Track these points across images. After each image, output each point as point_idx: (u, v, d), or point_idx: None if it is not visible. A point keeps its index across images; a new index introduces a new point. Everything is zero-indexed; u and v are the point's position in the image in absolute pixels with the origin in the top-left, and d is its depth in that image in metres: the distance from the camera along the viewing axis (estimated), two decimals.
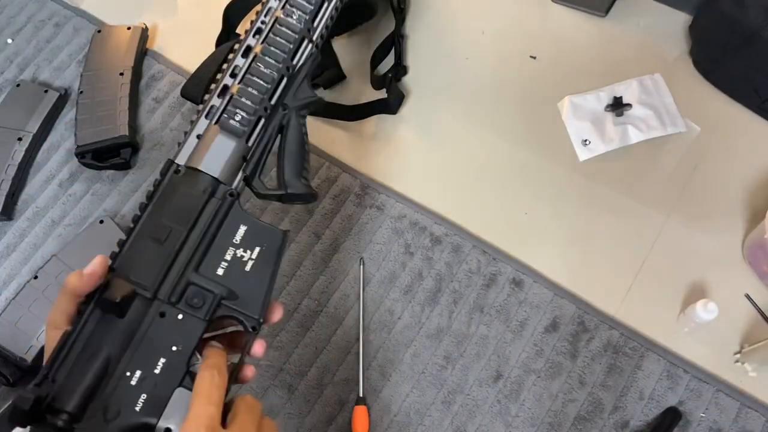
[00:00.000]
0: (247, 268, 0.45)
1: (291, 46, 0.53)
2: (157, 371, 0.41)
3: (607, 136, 0.78)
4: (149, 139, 0.86)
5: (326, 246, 0.76)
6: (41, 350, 0.71)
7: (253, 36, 0.53)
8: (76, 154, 0.83)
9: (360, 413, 0.67)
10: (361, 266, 0.73)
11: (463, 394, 0.68)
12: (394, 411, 0.67)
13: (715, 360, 0.66)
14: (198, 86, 0.82)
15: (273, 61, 0.52)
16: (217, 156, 0.48)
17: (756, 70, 0.73)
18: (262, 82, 0.51)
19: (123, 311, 0.41)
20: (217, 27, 0.90)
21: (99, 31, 0.91)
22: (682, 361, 0.66)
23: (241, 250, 0.46)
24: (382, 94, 0.83)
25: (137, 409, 0.40)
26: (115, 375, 0.40)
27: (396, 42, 0.86)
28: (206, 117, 0.50)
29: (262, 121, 0.51)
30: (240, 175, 0.49)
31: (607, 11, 0.85)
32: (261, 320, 0.44)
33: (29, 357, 0.70)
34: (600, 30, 0.85)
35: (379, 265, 0.74)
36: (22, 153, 0.84)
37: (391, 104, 0.81)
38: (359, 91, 0.85)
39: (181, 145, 0.49)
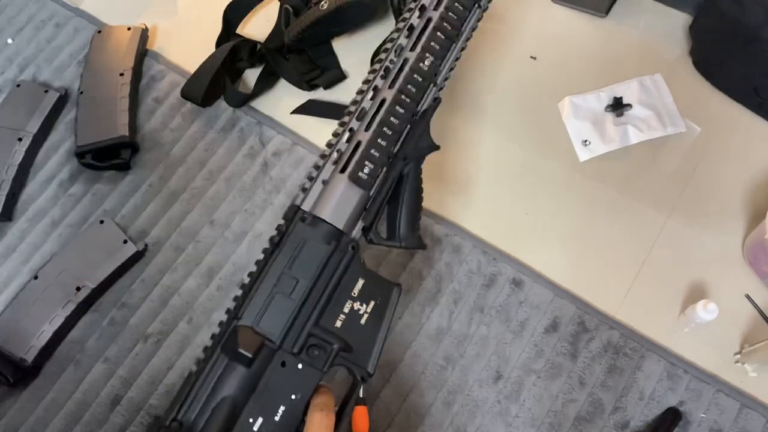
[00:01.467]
0: (363, 321, 0.46)
1: (422, 95, 0.52)
2: (276, 418, 0.42)
3: (608, 137, 0.78)
4: (149, 139, 0.86)
5: None
6: (41, 350, 0.71)
7: (382, 77, 0.51)
8: (76, 155, 0.83)
9: (360, 413, 0.66)
10: None
11: (463, 395, 0.67)
12: (394, 411, 0.67)
13: (716, 360, 0.66)
14: (198, 87, 0.83)
15: (403, 111, 0.51)
16: (342, 206, 0.48)
17: (756, 70, 0.73)
18: (392, 133, 0.50)
19: (249, 361, 0.42)
20: (217, 27, 0.90)
21: (99, 32, 0.91)
22: (683, 362, 0.66)
23: (358, 303, 0.46)
24: None
25: None
26: (239, 422, 0.41)
27: None
28: (334, 163, 0.49)
29: (384, 170, 0.51)
30: (359, 225, 0.50)
31: (607, 11, 0.85)
32: (372, 372, 0.46)
33: (29, 357, 0.70)
34: (600, 30, 0.85)
35: (379, 266, 0.74)
36: (22, 153, 0.84)
37: None
38: None
39: (306, 190, 0.48)
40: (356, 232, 0.49)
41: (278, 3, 0.89)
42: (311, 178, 0.49)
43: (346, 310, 0.46)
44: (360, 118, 0.50)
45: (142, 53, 0.92)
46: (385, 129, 0.50)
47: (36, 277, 0.75)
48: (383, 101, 0.51)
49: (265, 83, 0.87)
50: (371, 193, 0.50)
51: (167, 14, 0.96)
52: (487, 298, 0.71)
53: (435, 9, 0.53)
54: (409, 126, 0.52)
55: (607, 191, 0.76)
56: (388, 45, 0.53)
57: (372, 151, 0.49)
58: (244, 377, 0.42)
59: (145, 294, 0.75)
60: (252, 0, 0.93)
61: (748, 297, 0.69)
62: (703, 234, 0.72)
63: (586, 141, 0.78)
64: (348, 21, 0.84)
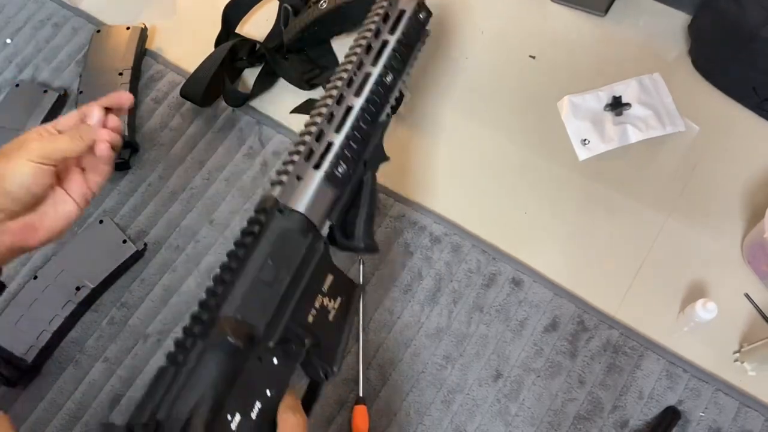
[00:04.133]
0: (331, 317, 0.46)
1: (384, 107, 0.56)
2: (253, 416, 0.40)
3: (607, 136, 0.78)
4: (148, 139, 0.86)
5: None
6: (41, 350, 0.71)
7: (347, 86, 0.54)
8: None
9: (360, 413, 0.67)
10: (361, 266, 0.73)
11: (462, 394, 0.68)
12: (394, 411, 0.67)
13: (715, 359, 0.66)
14: (197, 87, 0.83)
15: (369, 119, 0.54)
16: (317, 202, 0.49)
17: (755, 69, 0.73)
18: (361, 138, 0.53)
19: (235, 352, 0.40)
20: (216, 27, 0.90)
21: (98, 31, 0.91)
22: (682, 361, 0.66)
23: (327, 298, 0.46)
24: None
25: None
26: (218, 419, 0.38)
27: None
28: (306, 160, 0.50)
29: (353, 172, 0.53)
30: (327, 223, 0.51)
31: (607, 11, 0.85)
32: (335, 370, 0.45)
33: (29, 357, 0.70)
34: (599, 29, 0.85)
35: (379, 265, 0.74)
36: None
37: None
38: None
39: (282, 183, 0.48)
40: (325, 230, 0.50)
41: (277, 2, 0.89)
42: (284, 172, 0.49)
43: (317, 305, 0.45)
44: (329, 121, 0.52)
45: (141, 53, 0.91)
46: (355, 133, 0.53)
47: (35, 277, 0.75)
48: (350, 108, 0.54)
49: (265, 83, 0.87)
50: (342, 193, 0.51)
51: (166, 14, 0.96)
52: (486, 297, 0.71)
53: (391, 33, 0.59)
54: (371, 134, 0.55)
55: (607, 190, 0.76)
56: (350, 59, 0.56)
57: (345, 151, 0.51)
58: (223, 371, 0.40)
59: (144, 294, 0.75)
60: (251, 0, 0.93)
61: (747, 296, 0.69)
62: (703, 233, 0.72)
63: (585, 140, 0.78)
64: (347, 20, 0.84)
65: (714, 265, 0.70)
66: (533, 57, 0.85)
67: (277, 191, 0.47)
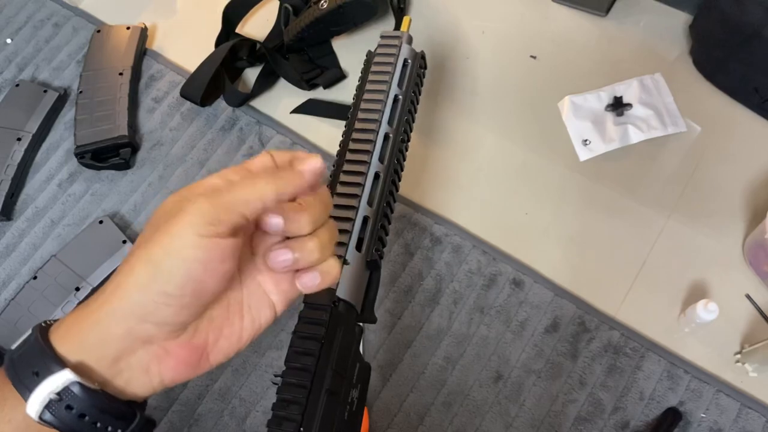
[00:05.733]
0: (354, 407, 0.42)
1: (400, 169, 0.53)
2: None
3: (608, 136, 0.77)
4: (148, 139, 0.86)
5: None
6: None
7: (380, 160, 0.51)
8: (76, 154, 0.83)
9: None
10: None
11: (463, 395, 0.67)
12: (394, 411, 0.67)
13: (716, 360, 0.66)
14: (197, 86, 0.83)
15: (394, 187, 0.51)
16: (358, 289, 0.45)
17: (756, 69, 0.73)
18: (389, 210, 0.50)
19: None
20: (216, 27, 0.89)
21: (98, 31, 0.91)
22: (683, 362, 0.66)
23: (354, 390, 0.42)
24: None
25: None
26: None
27: None
28: (355, 249, 0.46)
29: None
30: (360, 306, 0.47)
31: (608, 11, 0.85)
32: None
33: None
34: (600, 30, 0.85)
35: None
36: (22, 153, 0.84)
37: None
38: None
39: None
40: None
41: (278, 2, 0.89)
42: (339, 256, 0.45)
43: (349, 399, 0.41)
44: (371, 204, 0.48)
45: (142, 52, 0.91)
46: (384, 205, 0.49)
47: (35, 277, 0.75)
48: (377, 175, 0.49)
49: (265, 83, 0.87)
50: (375, 274, 0.48)
51: (166, 13, 0.96)
52: (487, 298, 0.71)
53: (399, 87, 0.55)
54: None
55: (608, 191, 0.76)
56: (368, 116, 0.52)
57: (380, 228, 0.48)
58: None
59: None
60: (251, 0, 0.92)
61: (748, 297, 0.68)
62: (704, 234, 0.72)
63: (586, 140, 0.78)
64: (348, 20, 0.84)
65: (715, 265, 0.70)
66: (534, 57, 0.85)
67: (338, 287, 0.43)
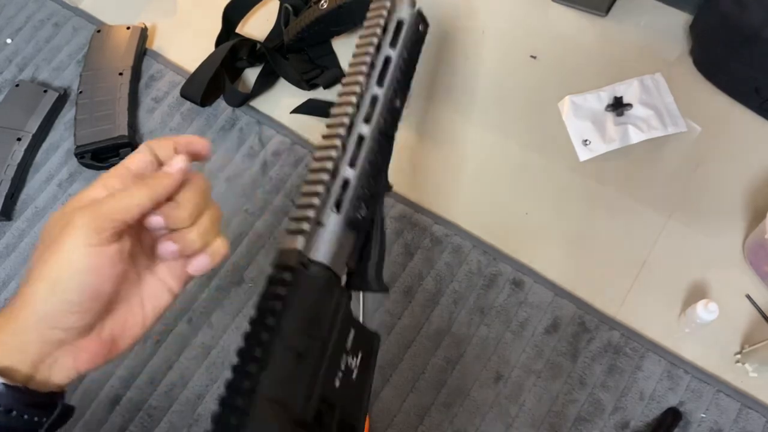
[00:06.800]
0: (354, 376, 0.41)
1: (394, 131, 0.49)
2: None
3: (608, 136, 0.77)
4: (148, 138, 0.85)
5: None
6: None
7: (356, 112, 0.48)
8: (76, 154, 0.83)
9: None
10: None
11: (463, 395, 0.67)
12: (394, 411, 0.67)
13: (716, 360, 0.66)
14: (197, 86, 0.83)
15: (378, 148, 0.47)
16: (340, 251, 0.43)
17: (757, 69, 0.73)
18: (373, 170, 0.46)
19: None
20: (216, 27, 0.89)
21: (98, 31, 0.91)
22: (683, 362, 0.66)
23: (351, 356, 0.41)
24: None
25: None
26: None
27: None
28: (324, 202, 0.43)
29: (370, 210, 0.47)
30: (345, 270, 0.45)
31: (608, 11, 0.85)
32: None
33: None
34: (600, 30, 0.85)
35: None
36: (22, 153, 0.84)
37: None
38: None
39: (304, 232, 0.42)
40: (344, 279, 0.44)
41: (278, 2, 0.89)
42: (304, 219, 0.43)
43: (342, 366, 0.40)
44: (343, 155, 0.46)
45: (142, 52, 0.91)
46: (369, 166, 0.46)
47: None
48: (362, 137, 0.47)
49: (265, 83, 0.87)
50: (361, 236, 0.46)
51: (166, 13, 0.96)
52: (487, 298, 0.71)
53: (392, 47, 0.52)
54: (383, 165, 0.49)
55: (608, 191, 0.75)
56: (355, 79, 0.49)
57: (363, 190, 0.45)
58: None
59: None
60: (251, 0, 0.92)
61: (748, 297, 0.68)
62: (704, 234, 0.72)
63: (586, 140, 0.78)
64: (348, 20, 0.84)
65: (715, 265, 0.70)
66: (534, 57, 0.85)
67: (300, 242, 0.41)
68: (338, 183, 0.45)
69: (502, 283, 0.72)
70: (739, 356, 0.66)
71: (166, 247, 0.36)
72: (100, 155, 0.83)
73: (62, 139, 0.87)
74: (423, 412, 0.67)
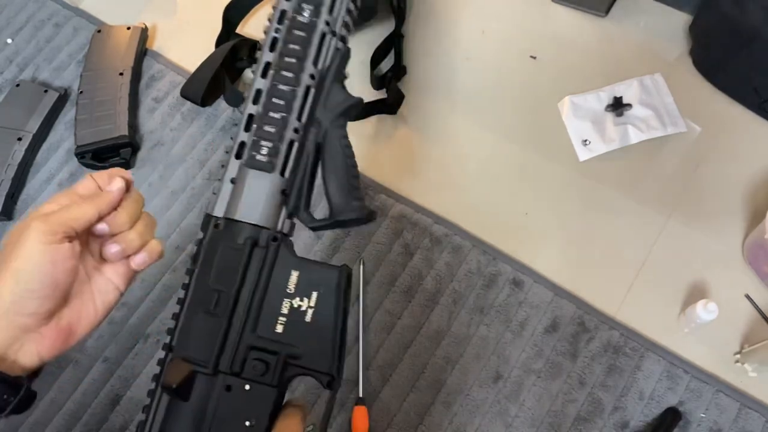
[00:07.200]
0: (308, 318, 0.40)
1: (310, 50, 0.45)
2: None
3: (608, 136, 0.78)
4: (149, 139, 0.86)
5: (326, 246, 0.76)
6: None
7: (270, 50, 0.45)
8: (76, 154, 0.83)
9: (360, 413, 0.67)
10: (361, 266, 0.73)
11: (462, 395, 0.67)
12: (394, 412, 0.67)
13: (716, 360, 0.66)
14: (198, 86, 0.83)
15: (292, 75, 0.44)
16: (252, 200, 0.43)
17: (756, 70, 0.73)
18: (283, 103, 0.44)
19: (186, 394, 0.38)
20: (217, 27, 0.90)
21: (99, 31, 0.91)
22: (682, 362, 0.66)
23: (298, 299, 0.41)
24: (381, 94, 0.83)
25: None
26: None
27: (396, 42, 0.86)
28: (236, 157, 0.43)
29: (296, 145, 0.44)
30: (283, 214, 0.44)
31: (608, 11, 0.85)
32: (334, 374, 0.40)
33: None
34: (600, 30, 0.85)
35: (379, 266, 0.74)
36: (22, 153, 0.84)
37: (391, 104, 0.81)
38: (359, 91, 0.84)
39: (216, 193, 0.43)
40: (282, 223, 0.43)
41: None
42: (219, 180, 0.43)
43: (284, 310, 0.40)
44: (256, 102, 0.44)
45: (142, 53, 0.91)
46: (275, 99, 0.44)
47: None
48: (268, 65, 0.45)
49: None
50: (286, 175, 0.44)
51: (167, 13, 0.96)
52: (486, 298, 0.71)
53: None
54: (312, 89, 0.45)
55: (607, 191, 0.76)
56: (271, 13, 0.46)
57: (266, 127, 0.43)
58: (188, 415, 0.38)
59: (144, 294, 0.75)
60: (252, 0, 0.93)
61: (748, 297, 0.68)
62: (703, 234, 0.72)
63: (586, 141, 0.78)
64: None
65: (715, 266, 0.70)
66: (534, 57, 0.85)
67: (210, 205, 0.43)
68: (242, 126, 0.44)
69: (501, 283, 0.72)
70: (738, 356, 0.66)
71: (110, 248, 0.43)
72: (101, 155, 0.83)
73: (63, 139, 0.88)
74: (423, 411, 0.67)
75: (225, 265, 0.41)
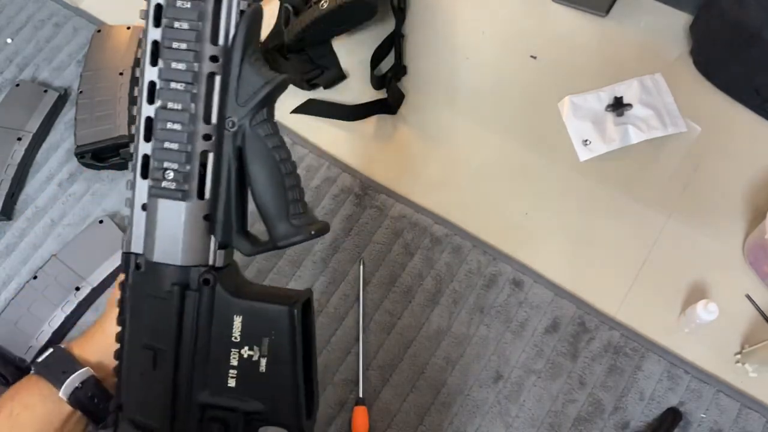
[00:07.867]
0: (262, 368, 0.35)
1: (200, 24, 0.34)
2: None
3: (608, 136, 0.77)
4: None
5: (326, 246, 0.76)
6: (40, 350, 0.70)
7: (155, 25, 0.37)
8: (76, 154, 0.83)
9: (360, 414, 0.66)
10: (361, 266, 0.73)
11: (462, 395, 0.67)
12: (394, 412, 0.67)
13: (716, 360, 0.66)
14: None
15: (183, 66, 0.34)
16: (169, 234, 0.35)
17: (757, 70, 0.73)
18: (180, 107, 0.35)
19: None
20: None
21: (99, 31, 0.91)
22: (683, 362, 0.66)
23: (246, 348, 0.35)
24: (382, 94, 0.83)
25: None
26: None
27: (396, 42, 0.86)
28: (142, 176, 0.35)
29: (211, 156, 0.35)
30: (213, 244, 0.36)
31: (608, 11, 0.85)
32: (302, 427, 0.36)
33: (29, 357, 0.70)
34: (600, 30, 0.85)
35: (379, 266, 0.74)
36: (22, 153, 0.84)
37: (391, 104, 0.81)
38: (359, 90, 0.85)
39: (129, 224, 0.35)
40: (212, 256, 0.36)
41: (278, 2, 0.89)
42: (129, 201, 0.36)
43: (234, 362, 0.35)
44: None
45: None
46: (169, 104, 0.35)
47: (35, 277, 0.74)
48: (161, 72, 0.35)
49: None
50: (207, 196, 0.35)
51: None
52: (487, 298, 0.71)
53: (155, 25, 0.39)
54: (216, 76, 0.35)
55: (608, 191, 0.75)
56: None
57: (166, 144, 0.34)
58: None
59: None
60: None
61: (748, 297, 0.68)
62: (704, 234, 0.72)
63: (586, 141, 0.78)
64: (348, 20, 0.84)
65: (715, 266, 0.70)
66: (534, 57, 0.85)
67: (125, 241, 0.36)
68: (142, 124, 0.36)
69: (502, 283, 0.72)
70: (739, 356, 0.66)
71: None
72: (101, 155, 0.83)
73: (62, 139, 0.87)
74: (423, 411, 0.67)
75: (156, 317, 0.35)
